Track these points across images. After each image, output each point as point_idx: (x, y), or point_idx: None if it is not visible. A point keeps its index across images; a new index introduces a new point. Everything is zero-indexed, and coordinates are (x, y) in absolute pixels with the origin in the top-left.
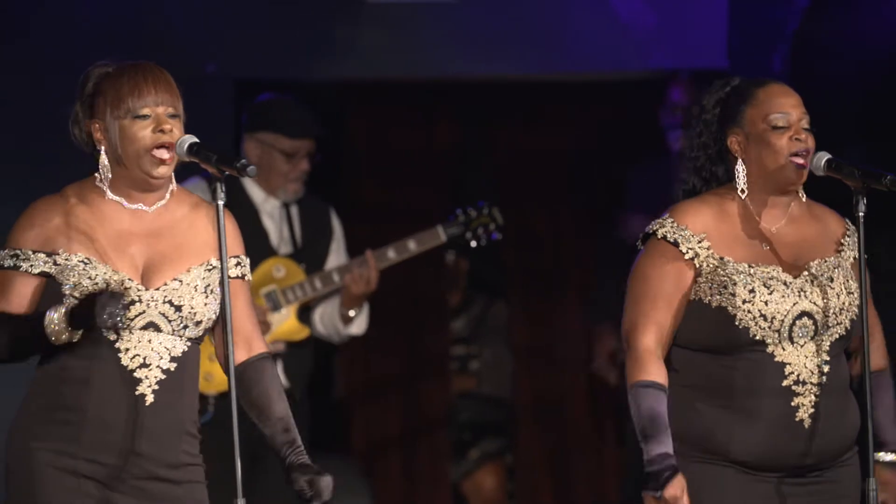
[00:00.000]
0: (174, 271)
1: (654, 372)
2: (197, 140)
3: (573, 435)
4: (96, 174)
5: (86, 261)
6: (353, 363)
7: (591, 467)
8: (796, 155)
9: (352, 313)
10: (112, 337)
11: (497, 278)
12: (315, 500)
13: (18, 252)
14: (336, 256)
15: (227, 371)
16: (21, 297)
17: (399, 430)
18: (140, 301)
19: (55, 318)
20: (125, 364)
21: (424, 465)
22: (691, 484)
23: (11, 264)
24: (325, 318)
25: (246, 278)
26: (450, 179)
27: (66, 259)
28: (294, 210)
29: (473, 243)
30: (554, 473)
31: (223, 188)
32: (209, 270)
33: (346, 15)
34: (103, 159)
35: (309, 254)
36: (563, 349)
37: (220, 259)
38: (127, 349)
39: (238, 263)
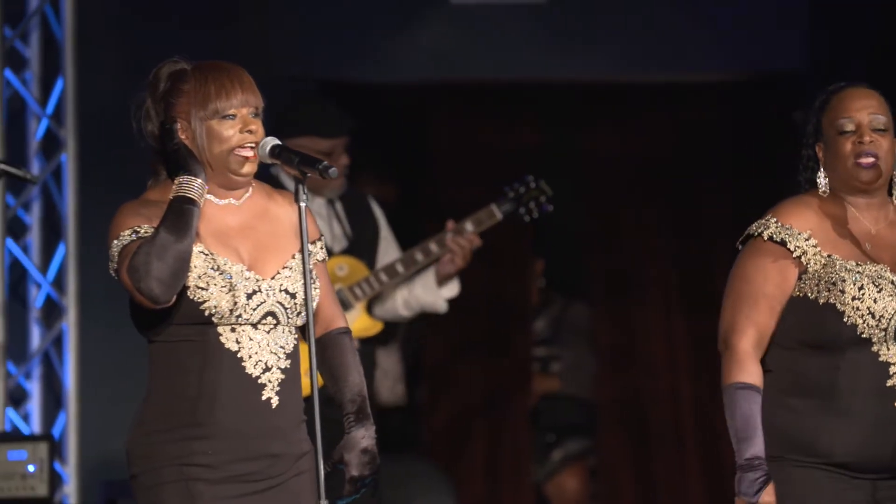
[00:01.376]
0: (280, 260)
1: (751, 374)
2: (279, 142)
3: (656, 436)
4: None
5: (205, 252)
6: (438, 365)
7: (674, 469)
8: (860, 156)
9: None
10: (233, 348)
11: (574, 278)
12: (349, 475)
13: (136, 228)
14: (386, 244)
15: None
16: None
17: (482, 432)
18: (260, 291)
19: (179, 177)
20: (249, 372)
21: (507, 466)
22: (793, 489)
23: (134, 237)
24: (412, 301)
25: (326, 260)
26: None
27: None
28: (339, 206)
29: (527, 218)
30: (636, 475)
31: (305, 190)
32: (307, 255)
33: (430, 16)
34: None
35: (361, 247)
36: (646, 350)
37: (303, 260)
38: (250, 356)
39: (322, 247)
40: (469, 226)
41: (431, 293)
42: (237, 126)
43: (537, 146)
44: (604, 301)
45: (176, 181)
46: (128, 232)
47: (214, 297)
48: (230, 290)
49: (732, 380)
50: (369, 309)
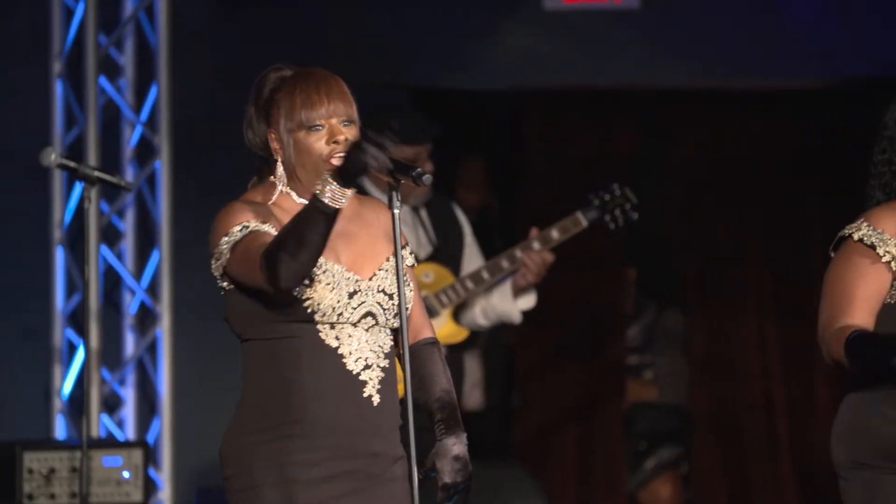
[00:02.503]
0: (376, 262)
1: (858, 326)
2: None
3: (750, 444)
4: (272, 178)
5: None
6: (531, 372)
7: (767, 476)
8: None
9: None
10: (334, 344)
11: (667, 285)
12: (441, 482)
13: (246, 223)
14: (470, 251)
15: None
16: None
17: (575, 439)
18: (360, 291)
19: (324, 184)
20: (350, 369)
21: (600, 474)
22: (884, 496)
23: (246, 232)
24: (489, 310)
25: (415, 266)
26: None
27: None
28: (424, 213)
29: (612, 225)
30: (730, 482)
31: (398, 196)
32: (401, 261)
33: (523, 22)
34: (279, 169)
35: (446, 254)
36: (741, 357)
37: (397, 267)
38: (350, 353)
39: (411, 252)
40: (555, 233)
41: (507, 303)
42: (324, 137)
43: (630, 152)
44: (697, 308)
45: (329, 188)
46: (237, 228)
47: (318, 294)
48: (334, 289)
49: (844, 336)
50: (455, 316)
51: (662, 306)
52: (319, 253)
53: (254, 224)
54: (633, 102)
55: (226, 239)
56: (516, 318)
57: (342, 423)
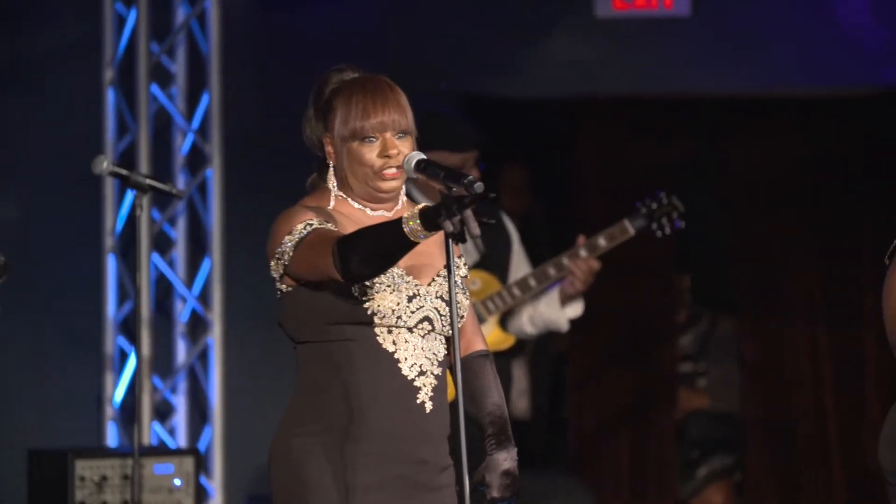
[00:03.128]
0: (434, 268)
1: None
2: (424, 157)
3: (803, 452)
4: (329, 185)
5: None
6: (583, 381)
7: (819, 484)
8: None
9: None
10: (390, 349)
11: (721, 293)
12: (490, 496)
13: (309, 221)
14: (518, 259)
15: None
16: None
17: (627, 447)
18: (419, 295)
19: (410, 217)
20: (406, 374)
21: (652, 482)
22: None
23: (310, 229)
24: (537, 318)
25: (465, 276)
26: (681, 196)
27: None
28: None
29: (659, 233)
30: (782, 490)
31: None
32: (457, 268)
33: (575, 30)
34: (331, 174)
35: (494, 261)
36: (793, 365)
37: (448, 275)
38: (406, 358)
39: (465, 263)
40: (602, 241)
41: (555, 311)
42: (377, 149)
43: (682, 160)
44: (750, 316)
45: (413, 218)
46: (300, 226)
47: (379, 297)
48: (394, 291)
49: None
50: (502, 323)
51: (716, 314)
52: (386, 267)
53: (317, 222)
54: (683, 110)
55: (289, 237)
56: (563, 326)
57: (394, 428)
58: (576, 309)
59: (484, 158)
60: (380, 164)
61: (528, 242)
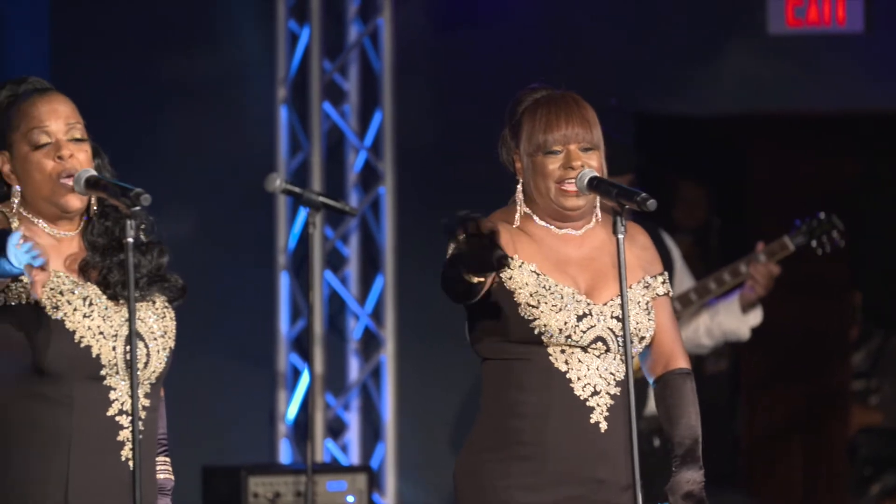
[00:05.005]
0: (614, 288)
1: None
2: (597, 175)
3: None
4: (516, 203)
5: (537, 272)
6: (755, 399)
7: None
8: None
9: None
10: (563, 368)
11: (894, 311)
12: None
13: None
14: (680, 276)
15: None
16: None
17: (799, 464)
18: (590, 315)
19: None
20: (578, 394)
21: (824, 500)
22: None
23: None
24: (715, 329)
25: (669, 294)
26: (854, 211)
27: (521, 264)
28: None
29: (819, 251)
30: None
31: (623, 221)
32: (646, 287)
33: (747, 47)
34: (519, 190)
35: None
36: None
37: (621, 290)
38: (578, 378)
39: (664, 281)
40: (762, 257)
41: (736, 320)
42: (560, 161)
43: (855, 177)
44: None
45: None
46: None
47: (545, 316)
48: (561, 310)
49: None
50: None
51: (889, 332)
52: (466, 299)
53: None
54: (858, 127)
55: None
56: (745, 334)
57: (567, 447)
58: (756, 316)
59: (657, 173)
60: (560, 175)
61: (703, 257)
